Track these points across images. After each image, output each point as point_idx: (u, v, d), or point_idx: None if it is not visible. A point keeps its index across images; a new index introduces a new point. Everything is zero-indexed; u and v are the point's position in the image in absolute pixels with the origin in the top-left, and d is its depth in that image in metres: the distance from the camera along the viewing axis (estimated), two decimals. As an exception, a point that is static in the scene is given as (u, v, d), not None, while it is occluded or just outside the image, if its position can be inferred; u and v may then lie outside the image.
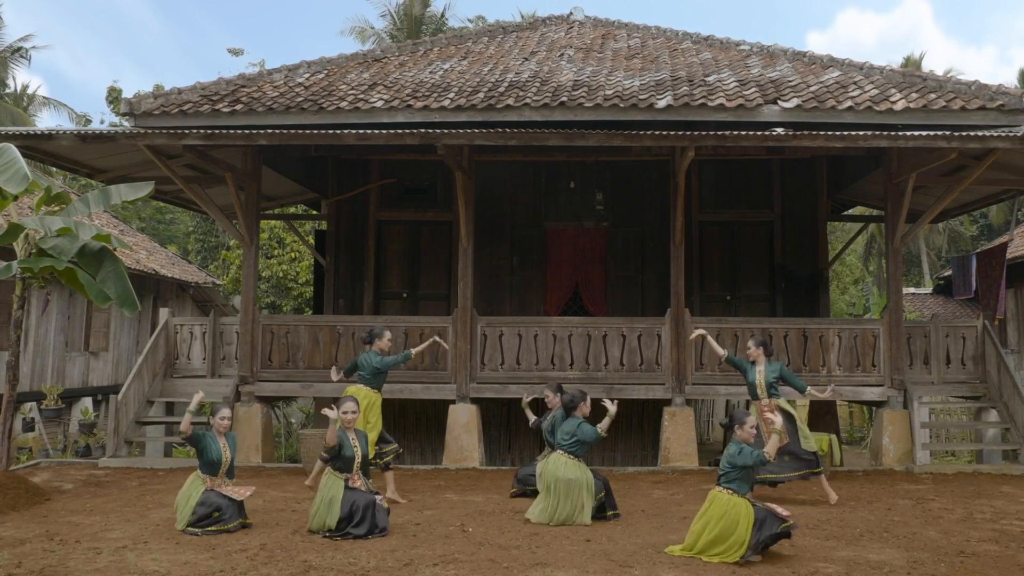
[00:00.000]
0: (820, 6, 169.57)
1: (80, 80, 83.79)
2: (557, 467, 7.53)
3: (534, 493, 8.02)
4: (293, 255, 24.43)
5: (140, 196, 9.72)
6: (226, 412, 7.51)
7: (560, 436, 7.74)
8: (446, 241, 14.55)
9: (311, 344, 11.60)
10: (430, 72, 13.06)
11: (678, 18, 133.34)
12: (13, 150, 7.88)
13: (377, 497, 7.13)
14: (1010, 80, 35.52)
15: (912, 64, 34.47)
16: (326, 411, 7.17)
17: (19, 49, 31.54)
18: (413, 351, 9.29)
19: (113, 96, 32.15)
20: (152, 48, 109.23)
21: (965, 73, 78.69)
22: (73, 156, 11.87)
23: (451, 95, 11.57)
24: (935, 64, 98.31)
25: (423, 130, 10.63)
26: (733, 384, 11.19)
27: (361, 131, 10.50)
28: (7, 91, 32.58)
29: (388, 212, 14.89)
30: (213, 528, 6.97)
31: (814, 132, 10.11)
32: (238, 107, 11.53)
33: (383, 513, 7.03)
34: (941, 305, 25.96)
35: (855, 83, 11.56)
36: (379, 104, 11.36)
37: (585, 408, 7.86)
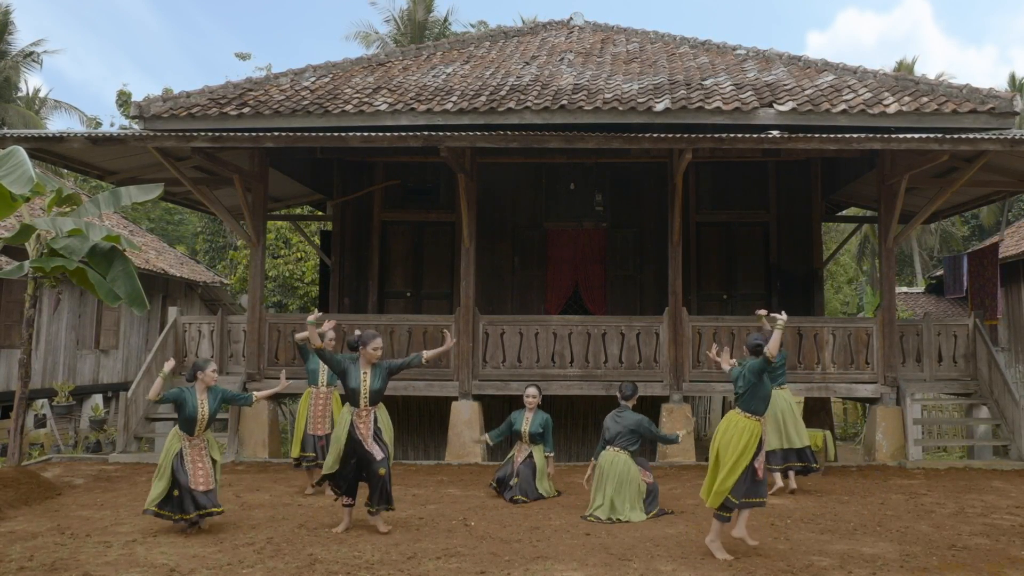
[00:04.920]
0: (820, 6, 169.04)
1: (80, 80, 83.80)
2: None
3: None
4: (299, 255, 24.63)
5: (150, 198, 9.90)
6: (214, 365, 7.47)
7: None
8: (449, 241, 14.74)
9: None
10: (433, 76, 13.21)
11: (677, 19, 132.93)
12: (21, 152, 7.99)
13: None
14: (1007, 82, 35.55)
15: (905, 68, 34.54)
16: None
17: (31, 54, 31.77)
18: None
19: (123, 99, 32.43)
20: (152, 49, 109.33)
21: (962, 74, 78.04)
22: (84, 158, 12.07)
23: (454, 98, 11.72)
24: (935, 64, 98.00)
25: (426, 133, 10.78)
26: (730, 382, 11.37)
27: (366, 133, 10.69)
28: (19, 94, 32.82)
29: (392, 213, 15.08)
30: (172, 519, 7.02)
31: (809, 135, 10.21)
32: (245, 110, 11.66)
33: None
34: (933, 304, 26.05)
35: (849, 87, 11.67)
36: (383, 107, 11.47)
37: None
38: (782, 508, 8.04)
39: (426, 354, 7.48)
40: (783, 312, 6.84)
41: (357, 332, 7.75)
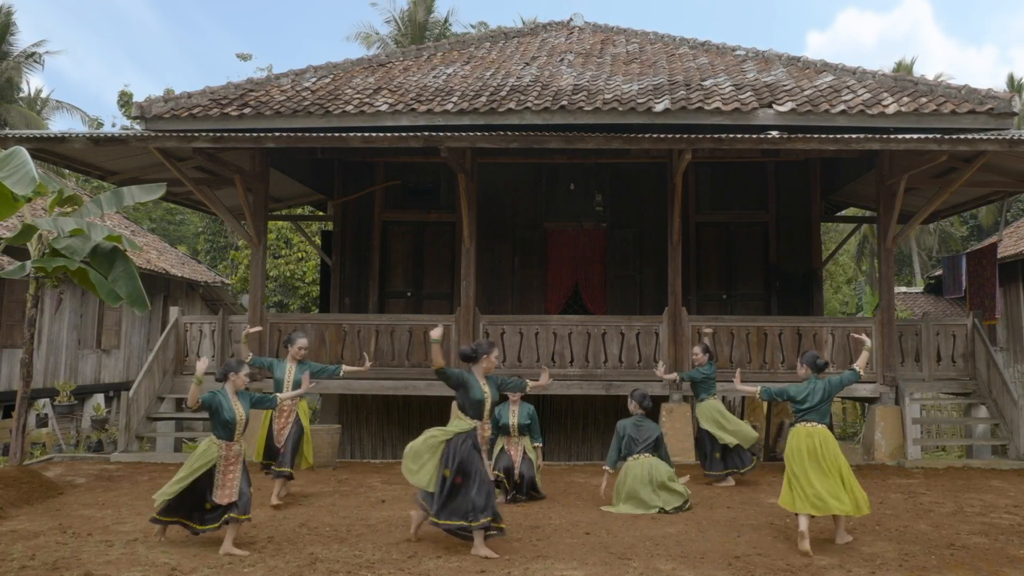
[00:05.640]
0: (820, 6, 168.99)
1: (80, 80, 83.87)
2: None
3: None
4: (300, 255, 24.73)
5: (152, 198, 9.92)
6: (247, 368, 6.99)
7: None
8: (449, 241, 14.78)
9: (318, 342, 11.82)
10: (434, 76, 13.25)
11: (677, 20, 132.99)
12: (23, 152, 8.01)
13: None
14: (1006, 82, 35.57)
15: (904, 69, 34.60)
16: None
17: (32, 54, 31.82)
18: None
19: (124, 100, 32.50)
20: (152, 49, 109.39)
21: (962, 75, 78.16)
22: (85, 159, 12.12)
23: (454, 99, 11.76)
24: (934, 65, 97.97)
25: (427, 133, 10.81)
26: (728, 381, 11.40)
27: (366, 134, 10.73)
28: (21, 95, 32.88)
29: (393, 213, 15.12)
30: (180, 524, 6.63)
31: (808, 135, 10.24)
32: (246, 111, 11.69)
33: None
34: (932, 304, 26.12)
35: (848, 87, 11.70)
36: (384, 108, 11.49)
37: None
38: (782, 507, 8.06)
39: (531, 383, 7.45)
40: (864, 335, 7.64)
41: (467, 346, 6.97)
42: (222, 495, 6.53)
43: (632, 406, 8.40)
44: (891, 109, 10.86)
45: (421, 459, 6.50)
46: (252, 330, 9.38)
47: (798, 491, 6.56)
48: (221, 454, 6.60)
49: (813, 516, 6.50)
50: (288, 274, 24.53)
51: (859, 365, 7.07)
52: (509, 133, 10.71)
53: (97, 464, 10.90)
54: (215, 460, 6.57)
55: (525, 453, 8.57)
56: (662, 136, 10.40)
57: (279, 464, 8.38)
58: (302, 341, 8.68)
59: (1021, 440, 10.90)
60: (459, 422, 6.56)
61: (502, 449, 8.61)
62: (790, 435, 6.90)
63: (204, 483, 6.56)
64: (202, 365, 6.61)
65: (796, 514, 6.64)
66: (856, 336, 8.25)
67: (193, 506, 6.59)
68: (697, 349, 9.68)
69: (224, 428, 6.63)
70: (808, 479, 6.53)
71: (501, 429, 8.65)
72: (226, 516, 6.48)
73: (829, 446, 6.66)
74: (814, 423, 6.78)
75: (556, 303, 14.63)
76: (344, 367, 8.86)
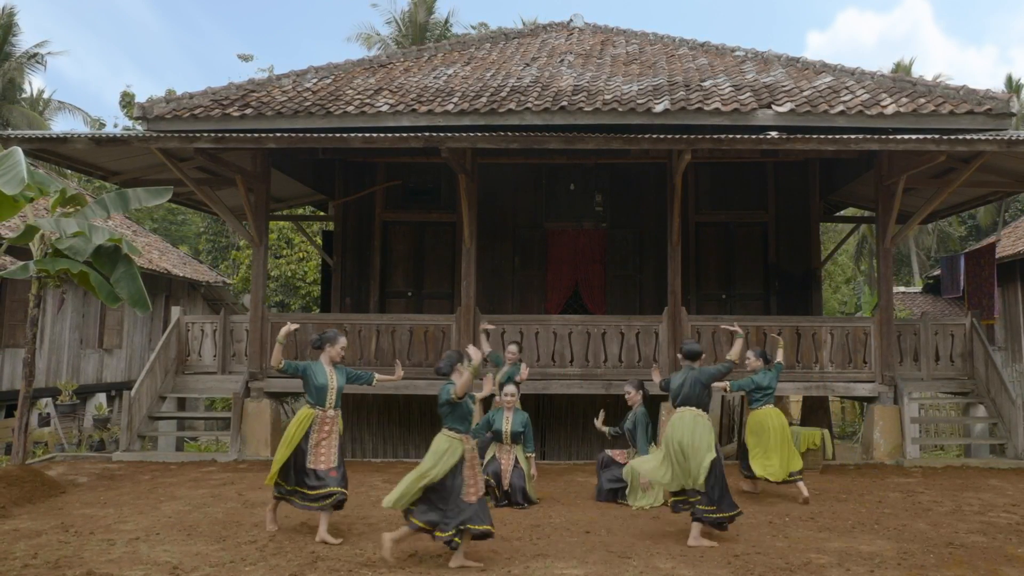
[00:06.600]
0: (820, 6, 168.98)
1: (80, 80, 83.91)
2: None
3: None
4: (301, 255, 24.75)
5: (159, 202, 9.89)
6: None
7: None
8: (450, 241, 14.81)
9: (318, 342, 11.83)
10: (434, 77, 13.27)
11: (677, 20, 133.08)
12: (18, 153, 8.02)
13: None
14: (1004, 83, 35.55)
15: (902, 69, 34.58)
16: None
17: (35, 55, 31.84)
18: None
19: (126, 100, 32.54)
20: (153, 49, 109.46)
21: (962, 75, 78.10)
22: (87, 159, 12.14)
23: (455, 99, 11.77)
24: (934, 65, 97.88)
25: (427, 134, 10.84)
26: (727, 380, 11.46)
27: (367, 135, 10.75)
28: (23, 96, 32.91)
29: (393, 213, 15.15)
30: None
31: (807, 136, 10.27)
32: (248, 111, 11.70)
33: None
34: (930, 303, 26.08)
35: (847, 88, 11.71)
36: (385, 108, 11.51)
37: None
38: (781, 506, 8.12)
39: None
40: (735, 325, 8.17)
41: (693, 343, 7.07)
42: (477, 491, 6.25)
43: (640, 397, 8.56)
44: (890, 110, 10.87)
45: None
46: (292, 327, 7.47)
47: (771, 462, 8.37)
48: (467, 446, 6.32)
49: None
50: (289, 274, 24.56)
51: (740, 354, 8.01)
52: (509, 134, 10.74)
53: (99, 463, 10.93)
54: (462, 455, 6.26)
55: (516, 462, 8.39)
56: (662, 136, 10.43)
57: (319, 486, 6.84)
58: (343, 340, 7.28)
59: (1019, 439, 10.94)
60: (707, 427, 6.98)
61: (493, 456, 8.45)
62: (762, 416, 8.56)
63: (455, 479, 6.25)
64: (476, 354, 6.33)
65: (756, 478, 8.56)
66: (727, 328, 8.29)
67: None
68: (513, 348, 9.55)
69: (463, 422, 6.40)
70: (776, 451, 8.39)
71: (494, 436, 8.50)
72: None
73: (785, 421, 8.65)
74: (772, 404, 8.68)
75: (556, 303, 14.66)
76: (376, 376, 7.65)
